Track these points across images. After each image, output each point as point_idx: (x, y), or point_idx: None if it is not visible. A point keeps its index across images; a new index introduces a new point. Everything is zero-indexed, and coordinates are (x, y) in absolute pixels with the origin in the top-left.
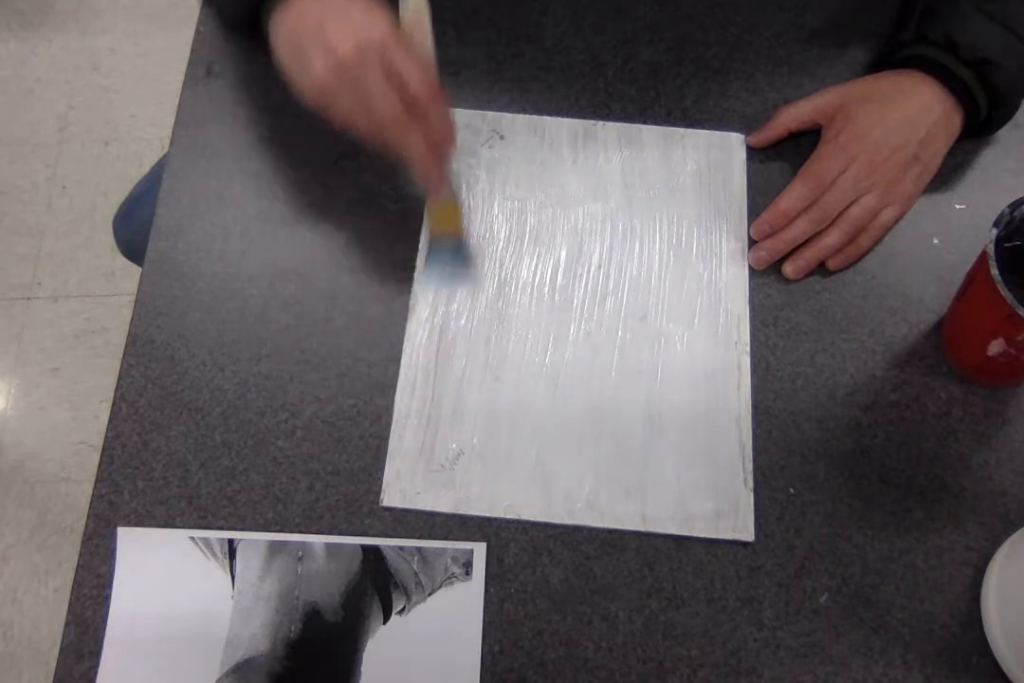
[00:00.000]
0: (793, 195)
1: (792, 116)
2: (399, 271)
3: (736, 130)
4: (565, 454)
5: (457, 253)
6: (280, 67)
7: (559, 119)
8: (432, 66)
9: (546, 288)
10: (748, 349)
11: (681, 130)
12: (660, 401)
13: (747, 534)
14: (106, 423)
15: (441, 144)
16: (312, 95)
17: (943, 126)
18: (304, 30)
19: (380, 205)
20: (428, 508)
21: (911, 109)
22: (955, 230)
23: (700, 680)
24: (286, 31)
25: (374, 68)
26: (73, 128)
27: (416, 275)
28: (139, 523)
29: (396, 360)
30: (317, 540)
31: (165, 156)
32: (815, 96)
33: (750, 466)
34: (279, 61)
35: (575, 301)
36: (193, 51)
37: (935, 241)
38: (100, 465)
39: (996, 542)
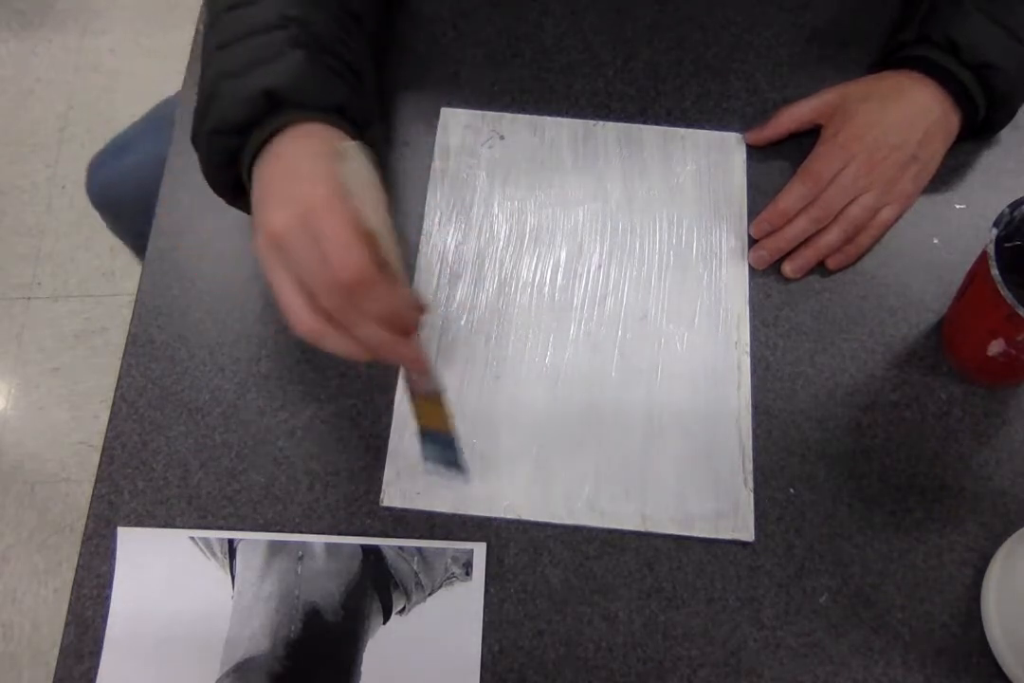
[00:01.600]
0: (792, 194)
1: (792, 116)
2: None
3: (736, 130)
4: (565, 454)
5: (448, 446)
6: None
7: (559, 119)
8: (379, 232)
9: (546, 288)
10: (748, 349)
11: (681, 130)
12: (660, 401)
13: (747, 534)
14: (106, 423)
15: (396, 326)
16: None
17: (941, 126)
18: (258, 193)
19: None
20: (428, 508)
21: (910, 109)
22: (955, 230)
23: (700, 680)
24: (262, 182)
25: (301, 250)
26: (73, 128)
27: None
28: (139, 523)
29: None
30: (317, 540)
31: (166, 101)
32: (814, 96)
33: (750, 466)
34: (253, 204)
35: (575, 301)
36: (193, 51)
37: (935, 241)
38: (100, 465)
39: (996, 542)
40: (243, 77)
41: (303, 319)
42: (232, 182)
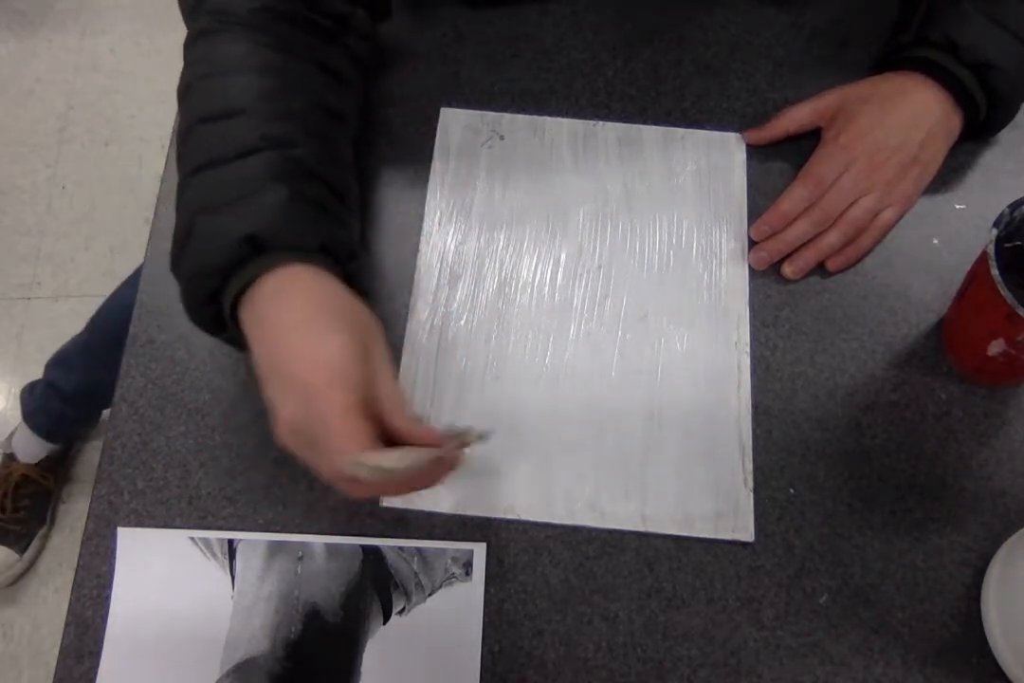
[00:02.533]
0: (793, 196)
1: (792, 118)
2: (398, 271)
3: (736, 130)
4: (565, 454)
5: None
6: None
7: (559, 119)
8: (383, 393)
9: (546, 288)
10: (748, 349)
11: (681, 130)
12: (660, 401)
13: (747, 534)
14: (106, 423)
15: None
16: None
17: (942, 127)
18: (259, 363)
19: (380, 205)
20: (428, 508)
21: (911, 110)
22: (955, 230)
23: (700, 680)
24: (256, 352)
25: (313, 441)
26: (73, 128)
27: None
28: (139, 523)
29: (396, 360)
30: (317, 540)
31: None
32: (815, 98)
33: (750, 466)
34: (258, 371)
35: (575, 301)
36: None
37: (935, 241)
38: (100, 465)
39: (996, 542)
40: (223, 214)
41: (348, 491)
42: (212, 316)
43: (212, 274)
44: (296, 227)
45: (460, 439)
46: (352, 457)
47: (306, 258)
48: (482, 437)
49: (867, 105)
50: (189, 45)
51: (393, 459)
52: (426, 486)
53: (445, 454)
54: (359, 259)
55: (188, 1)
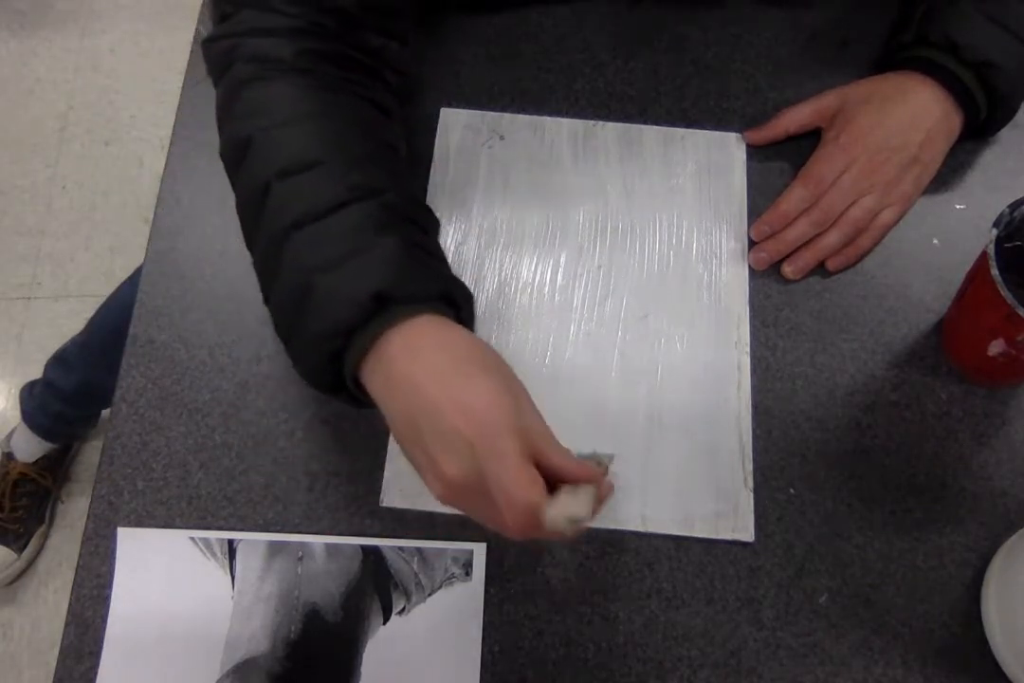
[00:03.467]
0: (793, 197)
1: (792, 118)
2: None
3: (736, 130)
4: None
5: None
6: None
7: (559, 119)
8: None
9: (546, 288)
10: (748, 349)
11: (681, 130)
12: (660, 401)
13: (747, 534)
14: (106, 423)
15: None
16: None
17: (943, 127)
18: (398, 427)
19: None
20: (428, 508)
21: (911, 110)
22: (955, 230)
23: (700, 680)
24: (394, 411)
25: (483, 498)
26: (73, 128)
27: None
28: (139, 523)
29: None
30: (317, 540)
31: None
32: (815, 98)
33: (750, 466)
34: (394, 432)
35: (575, 301)
36: (193, 51)
37: (935, 241)
38: (100, 465)
39: (996, 542)
40: (341, 273)
41: (524, 536)
42: (332, 379)
43: (338, 334)
44: (416, 278)
45: (600, 467)
46: (553, 513)
47: (431, 308)
48: (611, 461)
49: (867, 105)
50: (230, 95)
51: (580, 506)
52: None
53: (602, 486)
54: (474, 300)
55: (219, 51)
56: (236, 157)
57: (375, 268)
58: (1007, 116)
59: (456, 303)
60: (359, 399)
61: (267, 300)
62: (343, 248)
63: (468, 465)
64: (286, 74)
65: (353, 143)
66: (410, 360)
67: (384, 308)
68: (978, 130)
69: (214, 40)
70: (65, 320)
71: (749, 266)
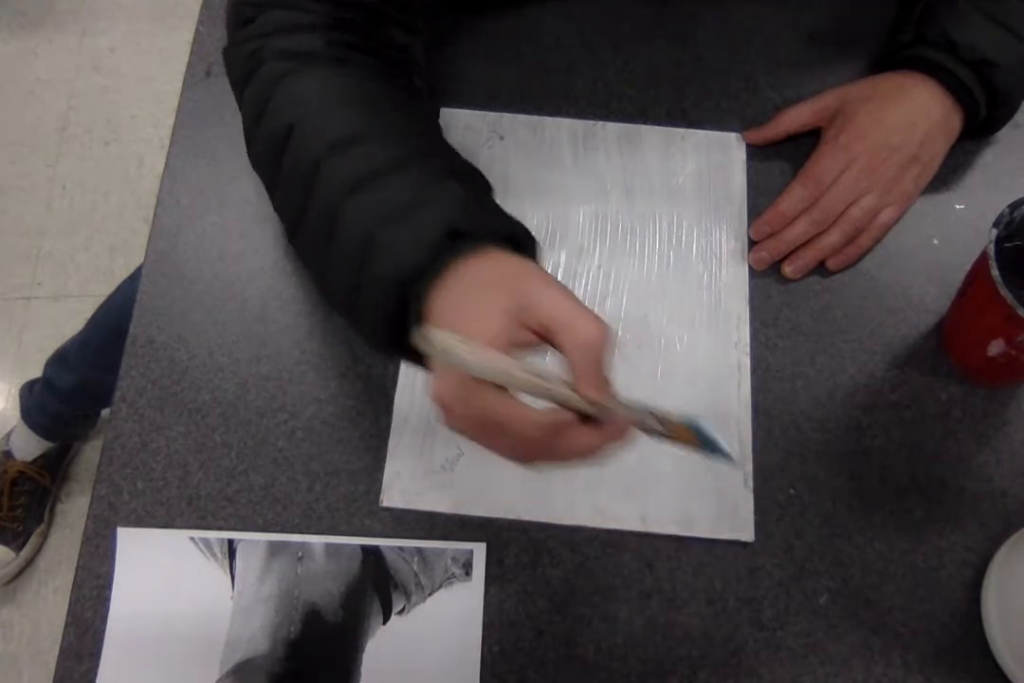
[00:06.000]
0: (793, 196)
1: (791, 118)
2: None
3: (736, 130)
4: None
5: (710, 451)
6: None
7: (559, 119)
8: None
9: None
10: (748, 349)
11: (681, 130)
12: (660, 401)
13: (747, 534)
14: (106, 423)
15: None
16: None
17: (942, 126)
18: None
19: None
20: (428, 508)
21: (910, 110)
22: (955, 230)
23: (700, 680)
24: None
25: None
26: (73, 128)
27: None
28: (139, 523)
29: (396, 360)
30: (317, 540)
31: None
32: (814, 98)
33: (750, 466)
34: None
35: None
36: (193, 51)
37: (935, 241)
38: (100, 465)
39: (996, 542)
40: (407, 220)
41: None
42: (397, 337)
43: (410, 276)
44: (486, 216)
45: (648, 419)
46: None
47: (496, 246)
48: (691, 428)
49: (866, 104)
50: (264, 92)
51: (473, 351)
52: (563, 456)
53: (593, 410)
54: (537, 243)
55: (245, 53)
56: (276, 150)
57: (443, 210)
58: (1007, 114)
59: (520, 243)
60: (423, 362)
61: (324, 277)
62: (406, 199)
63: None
64: (321, 64)
65: (401, 119)
66: (469, 287)
67: (454, 244)
68: (979, 129)
69: (237, 44)
70: (65, 320)
71: (749, 266)
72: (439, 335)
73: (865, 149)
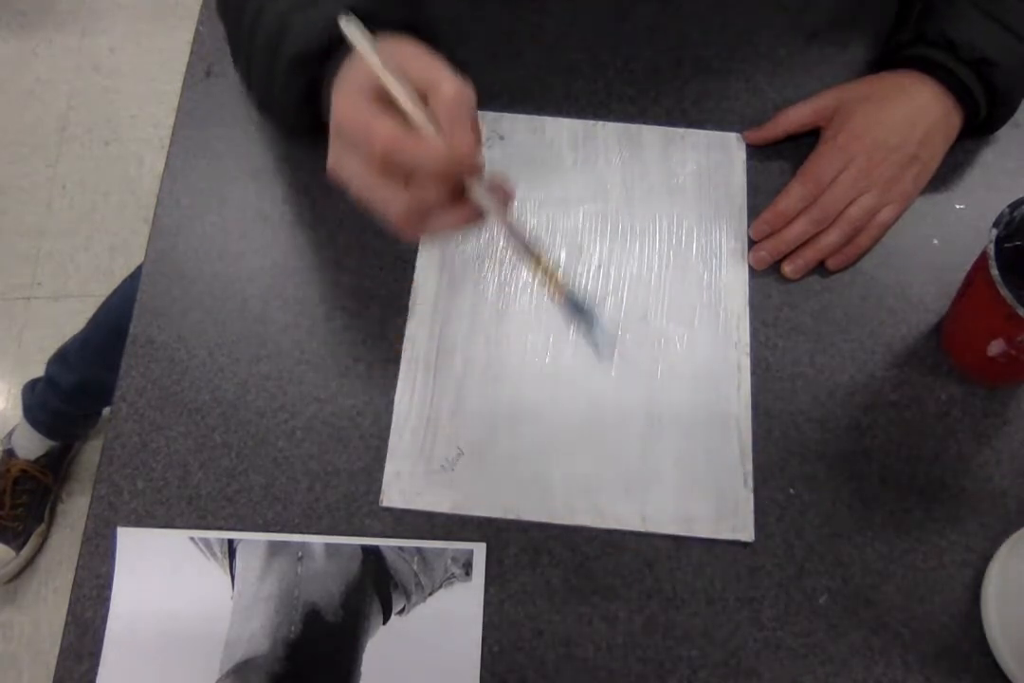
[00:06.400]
0: (792, 195)
1: (790, 118)
2: (399, 271)
3: (736, 130)
4: (565, 454)
5: (576, 312)
6: None
7: (559, 119)
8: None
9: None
10: (748, 349)
11: (681, 130)
12: (660, 401)
13: (747, 534)
14: (107, 423)
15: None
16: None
17: (942, 126)
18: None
19: None
20: (428, 508)
21: (910, 109)
22: (955, 230)
23: (700, 680)
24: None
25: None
26: (73, 128)
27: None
28: (139, 523)
29: (396, 360)
30: (317, 540)
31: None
32: (813, 98)
33: (750, 466)
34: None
35: None
36: (193, 51)
37: (935, 241)
38: (100, 465)
39: (996, 542)
40: (315, 7)
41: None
42: (311, 119)
43: (312, 59)
44: (387, 6)
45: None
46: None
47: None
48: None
49: (865, 104)
50: None
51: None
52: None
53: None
54: (442, 34)
55: None
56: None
57: None
58: (1007, 113)
59: (421, 33)
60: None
61: (249, 75)
62: None
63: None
64: None
65: None
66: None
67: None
68: (978, 128)
69: None
70: (65, 320)
71: (749, 266)
72: (356, 32)
73: (864, 148)
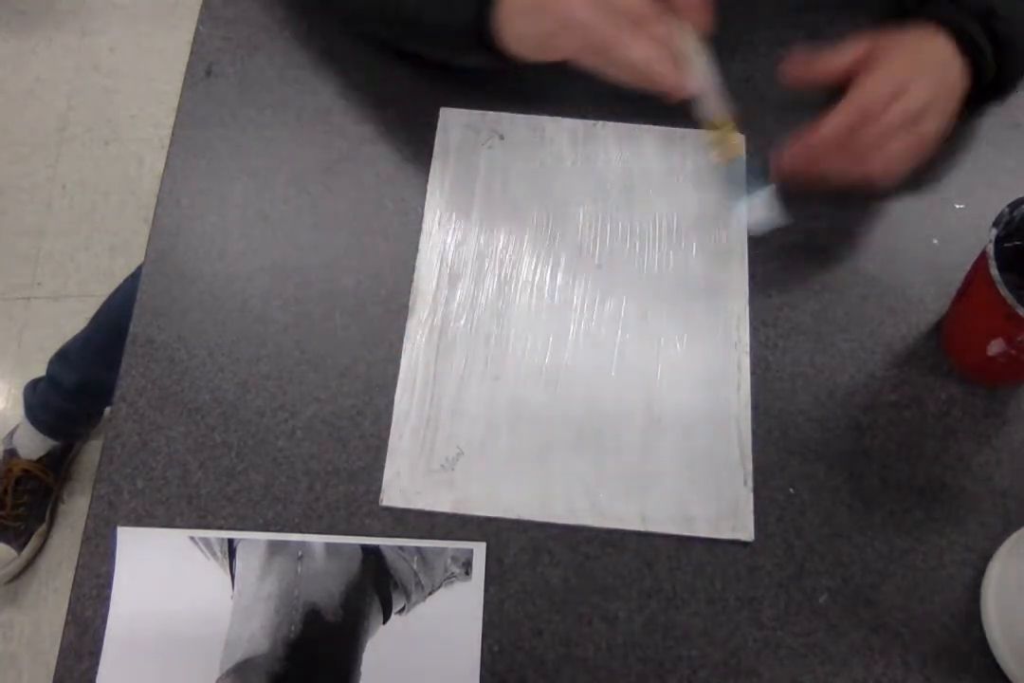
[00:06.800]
0: (835, 121)
1: (830, 63)
2: (399, 271)
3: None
4: (565, 454)
5: (737, 179)
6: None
7: (559, 119)
8: None
9: (546, 288)
10: (748, 349)
11: (681, 130)
12: (660, 401)
13: (747, 534)
14: (107, 423)
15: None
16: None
17: (958, 83)
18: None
19: (380, 204)
20: (428, 508)
21: (935, 56)
22: (955, 230)
23: (700, 680)
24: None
25: None
26: (73, 128)
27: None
28: (139, 523)
29: (396, 360)
30: (317, 540)
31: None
32: (847, 46)
33: (750, 466)
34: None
35: (575, 301)
36: (193, 51)
37: (935, 241)
38: (100, 465)
39: (996, 542)
40: None
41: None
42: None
43: None
44: None
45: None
46: None
47: None
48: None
49: (900, 44)
50: None
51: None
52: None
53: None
54: None
55: None
56: None
57: None
58: (1016, 74)
59: None
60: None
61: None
62: None
63: None
64: None
65: None
66: None
67: None
68: (988, 92)
69: None
70: (65, 320)
71: (749, 266)
72: None
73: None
